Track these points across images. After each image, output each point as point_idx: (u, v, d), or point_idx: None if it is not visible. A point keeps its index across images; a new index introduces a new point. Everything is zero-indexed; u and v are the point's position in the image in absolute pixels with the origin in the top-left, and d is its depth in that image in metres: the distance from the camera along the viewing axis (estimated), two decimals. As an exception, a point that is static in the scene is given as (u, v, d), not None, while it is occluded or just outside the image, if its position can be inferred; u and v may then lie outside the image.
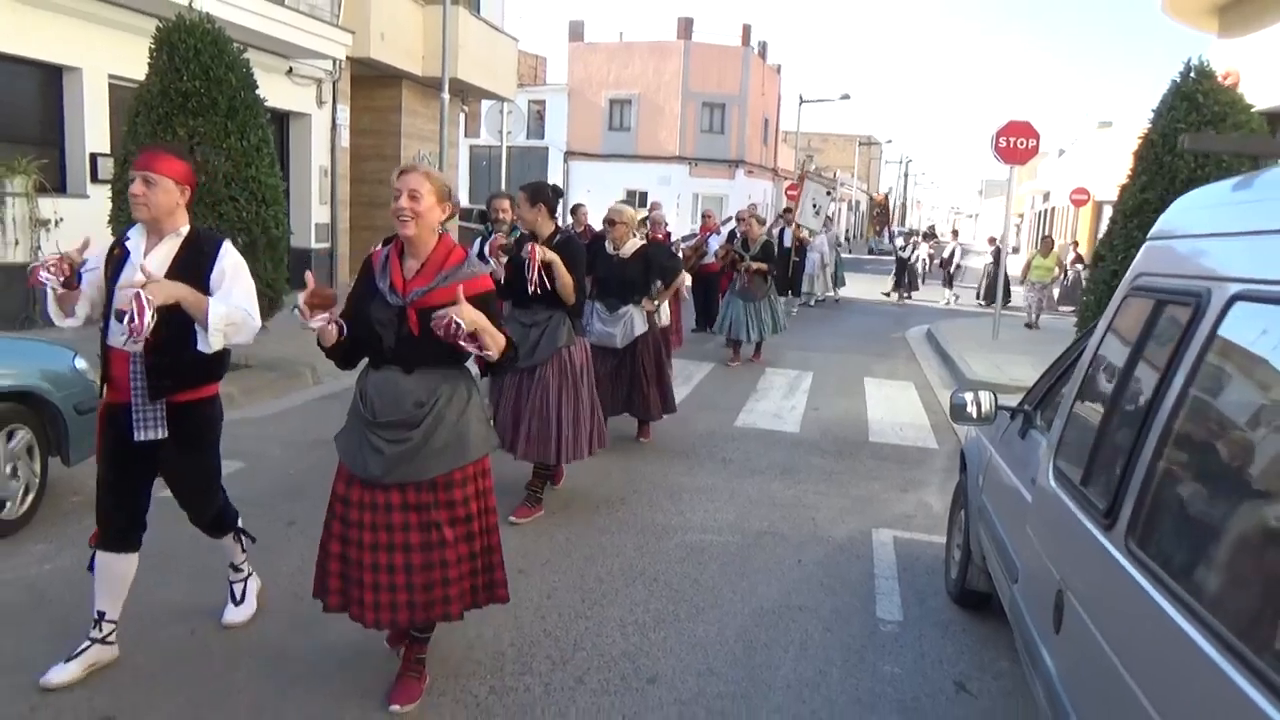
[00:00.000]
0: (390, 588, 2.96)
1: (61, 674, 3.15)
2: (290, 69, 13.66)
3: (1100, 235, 8.77)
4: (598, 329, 6.18)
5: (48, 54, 9.89)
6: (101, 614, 3.27)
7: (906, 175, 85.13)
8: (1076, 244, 24.02)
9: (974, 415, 3.69)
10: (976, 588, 4.09)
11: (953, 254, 23.75)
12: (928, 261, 23.77)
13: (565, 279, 4.72)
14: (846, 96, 36.62)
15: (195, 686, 3.22)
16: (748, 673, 3.61)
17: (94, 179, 10.29)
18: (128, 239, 3.25)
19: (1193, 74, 7.13)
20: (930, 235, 25.31)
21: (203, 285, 3.09)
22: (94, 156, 10.38)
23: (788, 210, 18.01)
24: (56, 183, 10.14)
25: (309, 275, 3.04)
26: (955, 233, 26.72)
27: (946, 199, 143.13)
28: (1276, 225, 1.79)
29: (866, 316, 18.37)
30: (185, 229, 3.22)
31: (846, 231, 57.45)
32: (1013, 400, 4.00)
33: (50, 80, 10.22)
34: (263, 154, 7.85)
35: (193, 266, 3.13)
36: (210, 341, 3.05)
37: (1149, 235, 2.50)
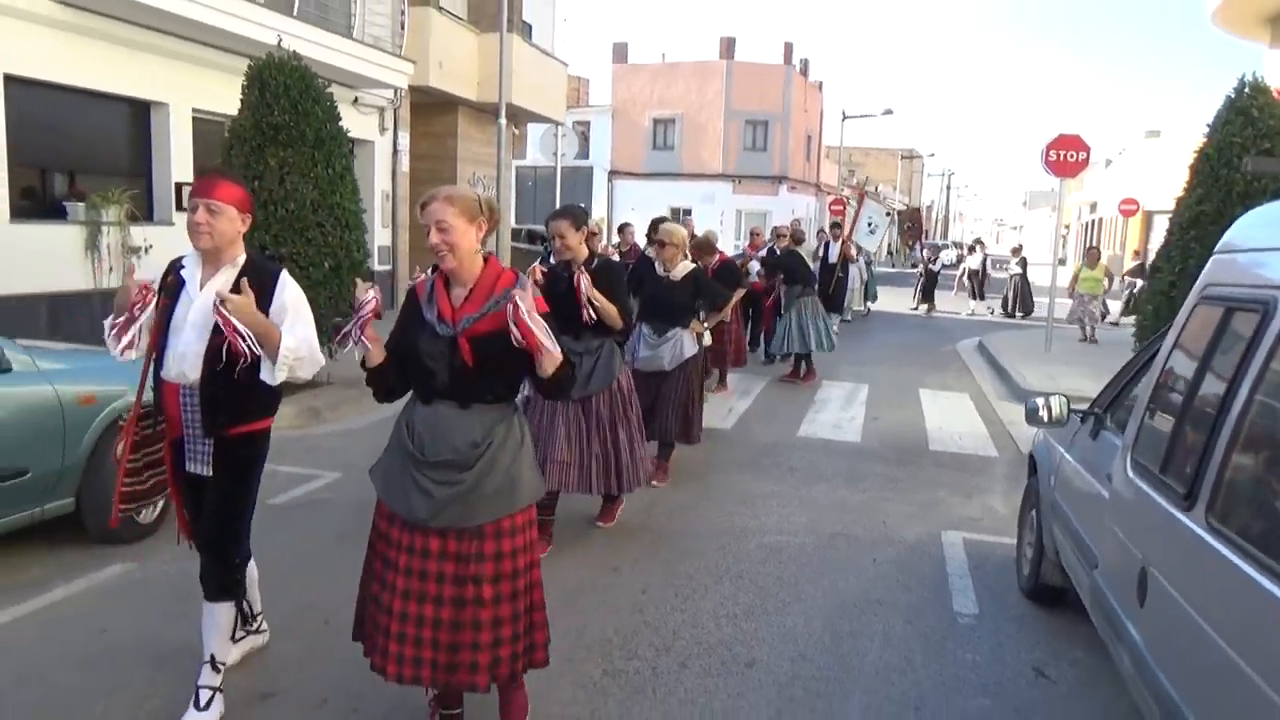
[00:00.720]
0: (416, 641, 2.75)
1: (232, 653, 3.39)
2: (356, 98, 14.23)
3: (1152, 245, 8.93)
4: (643, 354, 6.05)
5: (138, 91, 10.48)
6: (212, 656, 3.27)
7: (949, 188, 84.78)
8: (1138, 253, 23.81)
9: (1046, 419, 3.94)
10: (1050, 582, 4.32)
11: (981, 266, 23.79)
12: (980, 273, 23.70)
13: (608, 309, 4.66)
14: (889, 111, 36.81)
15: (339, 666, 3.55)
16: (837, 659, 3.88)
17: (179, 207, 10.84)
18: (182, 267, 3.15)
19: (1247, 89, 7.31)
20: (976, 247, 25.32)
21: (261, 311, 3.00)
22: (179, 186, 10.95)
23: (835, 226, 18.04)
24: (145, 211, 10.71)
25: (360, 284, 2.88)
26: (980, 244, 26.72)
27: (990, 211, 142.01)
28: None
29: (908, 331, 18.48)
30: (242, 258, 3.13)
31: (888, 245, 57.43)
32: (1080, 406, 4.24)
33: (139, 115, 10.82)
34: (345, 182, 8.32)
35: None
36: (276, 374, 2.98)
37: (1215, 249, 2.76)
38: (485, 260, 2.86)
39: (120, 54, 10.02)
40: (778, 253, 11.50)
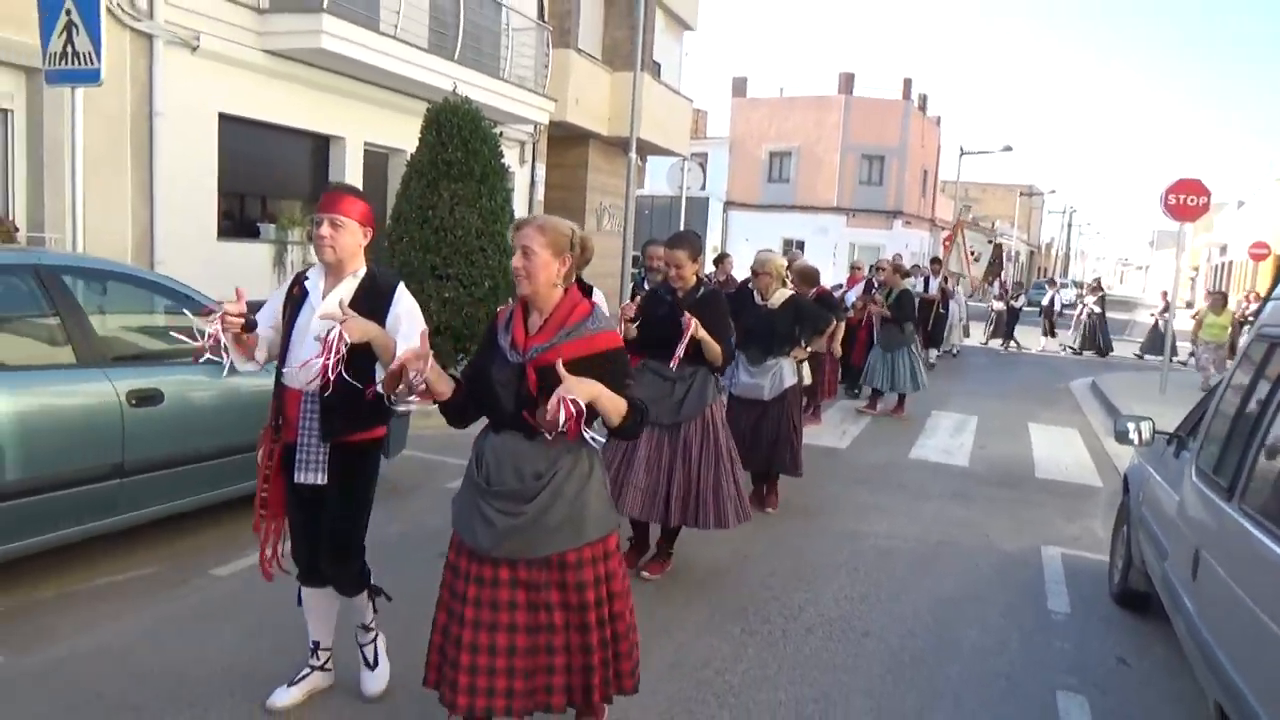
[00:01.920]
0: (489, 671, 2.71)
1: (285, 697, 3.36)
2: (501, 133, 15.46)
3: None
4: (744, 380, 6.08)
5: (319, 126, 11.87)
6: (316, 643, 3.44)
7: (1070, 225, 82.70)
8: (1257, 296, 23.37)
9: (1135, 440, 4.53)
10: (1136, 588, 4.86)
11: (1052, 301, 23.49)
12: (1051, 308, 23.46)
13: (714, 349, 4.62)
14: (1009, 148, 36.58)
15: (404, 711, 3.44)
16: (940, 638, 4.53)
17: (348, 229, 12.18)
18: (306, 279, 3.29)
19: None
20: (1096, 288, 25.06)
21: (378, 322, 3.09)
22: (350, 210, 12.28)
23: (935, 260, 18.09)
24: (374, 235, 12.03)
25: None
26: (1053, 281, 26.38)
27: (1114, 250, 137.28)
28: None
29: (1018, 368, 18.61)
30: (363, 271, 3.24)
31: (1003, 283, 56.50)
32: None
33: (320, 147, 12.22)
34: (505, 212, 9.37)
35: (369, 308, 3.12)
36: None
37: (1271, 296, 3.37)
38: (565, 291, 2.82)
39: (307, 94, 11.41)
40: (875, 285, 11.59)
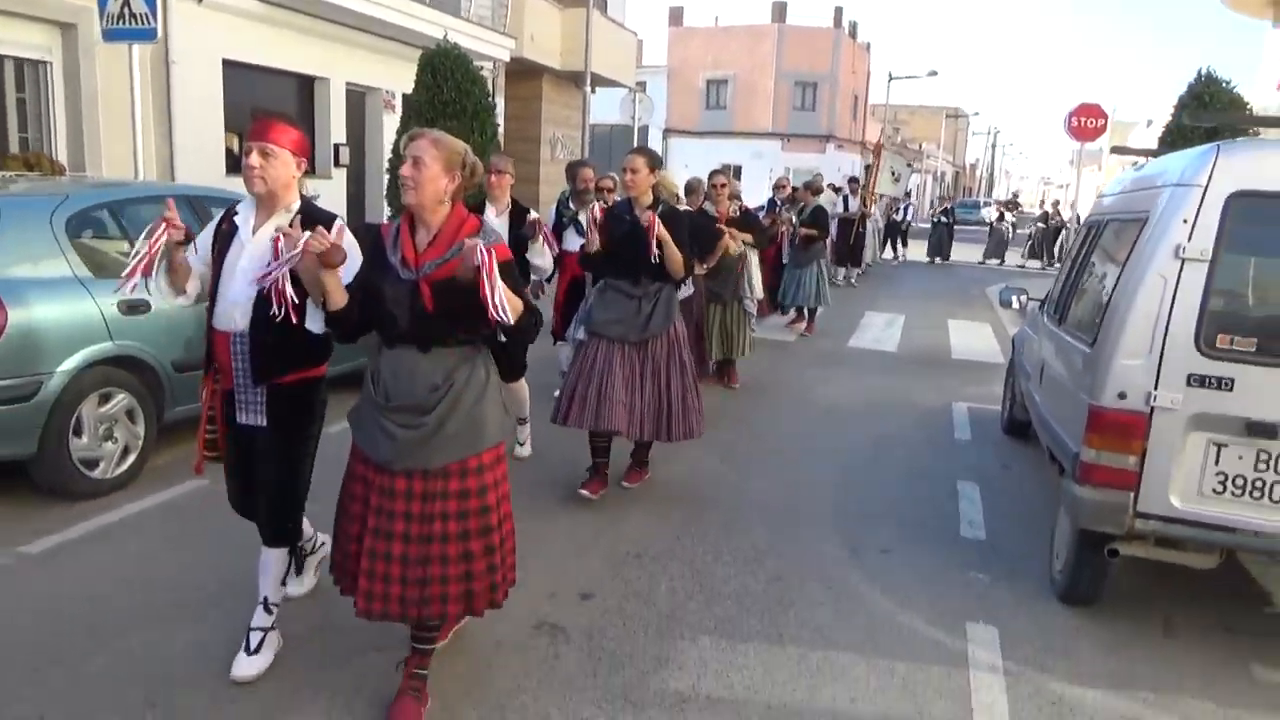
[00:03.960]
0: (385, 578, 2.80)
1: (248, 667, 3.13)
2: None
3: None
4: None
5: (305, 67, 12.83)
6: (265, 598, 3.21)
7: (994, 146, 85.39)
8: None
9: (1016, 305, 6.13)
10: (1017, 418, 6.55)
11: (905, 215, 23.85)
12: (1010, 230, 25.43)
13: (675, 256, 4.62)
14: (934, 73, 38.34)
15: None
16: (875, 457, 6.17)
17: (336, 164, 13.27)
18: (236, 213, 3.10)
19: (1203, 79, 9.39)
20: (1014, 205, 26.97)
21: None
22: (336, 146, 13.34)
23: (853, 180, 18.28)
24: (311, 166, 13.07)
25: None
26: (1014, 202, 27.85)
27: (1037, 169, 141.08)
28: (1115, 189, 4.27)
29: (937, 278, 20.49)
30: (296, 204, 3.04)
31: (930, 203, 58.76)
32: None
33: (305, 87, 13.19)
34: (494, 145, 10.60)
35: None
36: (320, 323, 2.95)
37: (1101, 194, 4.98)
38: (452, 205, 2.81)
39: (294, 39, 12.34)
40: (778, 204, 11.45)
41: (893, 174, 18.96)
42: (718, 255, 6.95)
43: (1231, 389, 3.32)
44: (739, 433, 6.56)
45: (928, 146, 55.19)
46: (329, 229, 2.85)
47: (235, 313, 2.99)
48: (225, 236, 3.08)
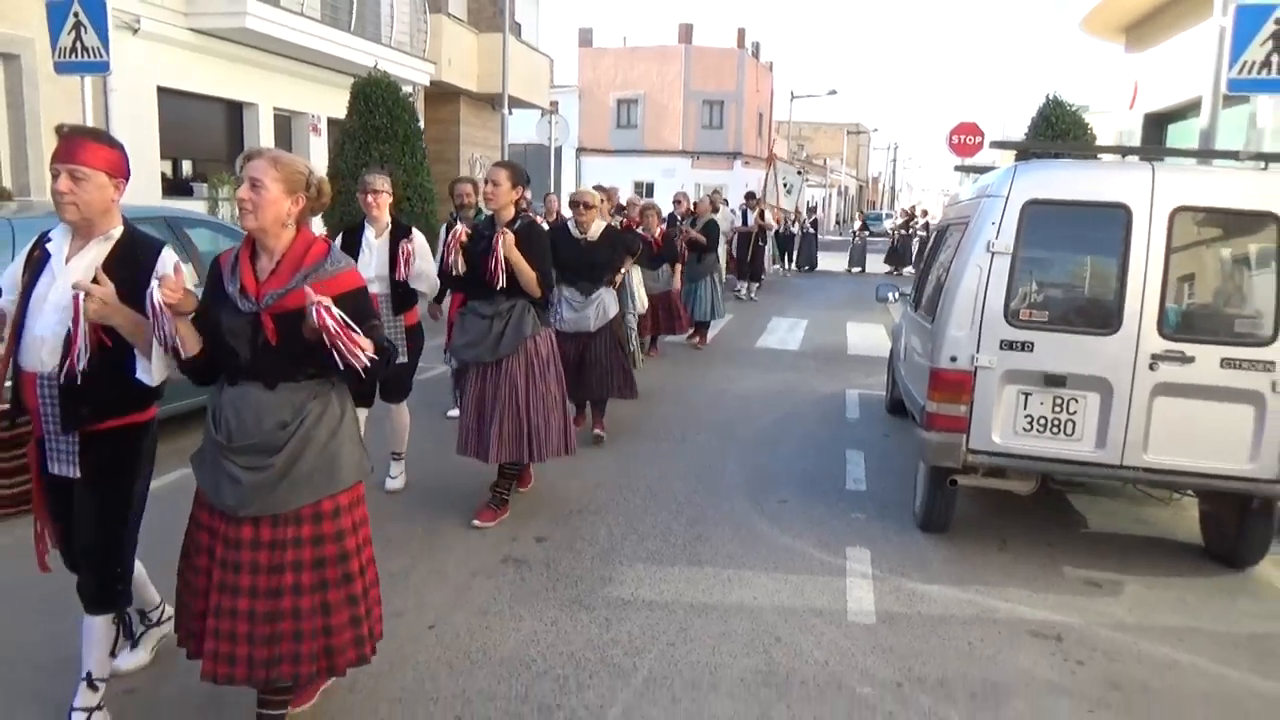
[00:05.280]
0: (231, 636, 2.58)
1: (132, 660, 3.15)
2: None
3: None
4: (568, 316, 6.11)
5: (234, 93, 13.35)
6: (89, 673, 2.88)
7: (895, 161, 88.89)
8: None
9: (890, 299, 7.19)
10: (896, 397, 7.62)
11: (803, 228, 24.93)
12: (899, 236, 26.91)
13: (527, 273, 4.52)
14: (834, 91, 40.16)
15: None
16: (778, 433, 7.16)
17: (266, 186, 13.77)
18: (49, 240, 2.78)
19: (1050, 103, 10.78)
20: (910, 215, 28.64)
21: (136, 297, 2.58)
22: (266, 169, 13.84)
23: (750, 195, 18.49)
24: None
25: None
26: (913, 212, 29.47)
27: (937, 181, 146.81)
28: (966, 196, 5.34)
29: (843, 287, 21.90)
30: (117, 231, 2.75)
31: (836, 216, 61.26)
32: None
33: (234, 112, 13.70)
34: (424, 167, 11.39)
35: (123, 276, 2.64)
36: (154, 373, 2.66)
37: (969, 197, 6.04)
38: (296, 230, 2.64)
39: (224, 66, 12.88)
40: (678, 219, 11.46)
41: (784, 185, 19.97)
42: (620, 272, 6.84)
43: (1032, 350, 4.37)
44: (664, 418, 7.47)
45: (832, 162, 57.48)
46: (154, 258, 2.73)
47: (42, 350, 2.66)
48: (36, 264, 2.75)
